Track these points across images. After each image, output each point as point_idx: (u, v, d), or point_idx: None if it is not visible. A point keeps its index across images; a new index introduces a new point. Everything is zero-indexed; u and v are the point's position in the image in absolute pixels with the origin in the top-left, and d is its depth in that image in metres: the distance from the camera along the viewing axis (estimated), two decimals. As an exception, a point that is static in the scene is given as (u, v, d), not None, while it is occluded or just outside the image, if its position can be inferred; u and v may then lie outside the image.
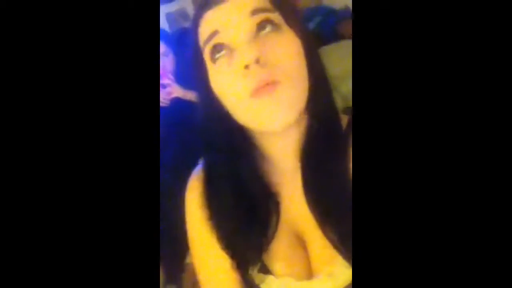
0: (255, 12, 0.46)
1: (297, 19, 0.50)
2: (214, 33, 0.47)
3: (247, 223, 0.52)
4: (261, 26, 0.46)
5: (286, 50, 0.47)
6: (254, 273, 0.53)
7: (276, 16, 0.47)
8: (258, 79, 0.44)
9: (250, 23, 0.46)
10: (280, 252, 0.53)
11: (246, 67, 0.44)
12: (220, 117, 0.50)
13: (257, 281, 0.53)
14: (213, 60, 0.48)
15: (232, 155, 0.52)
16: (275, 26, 0.47)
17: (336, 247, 0.49)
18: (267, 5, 0.47)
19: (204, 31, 0.48)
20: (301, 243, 0.54)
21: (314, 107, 0.49)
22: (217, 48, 0.47)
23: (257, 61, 0.44)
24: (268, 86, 0.44)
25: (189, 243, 0.59)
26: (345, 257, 0.48)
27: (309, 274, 0.52)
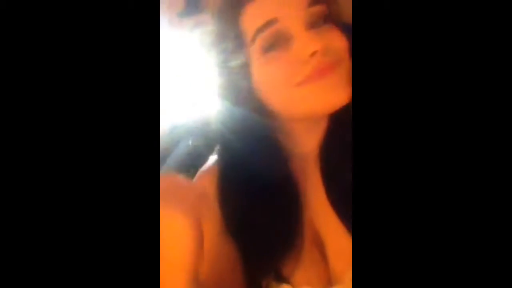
0: (311, 4, 0.47)
1: (337, 15, 0.51)
2: (272, 21, 0.46)
3: (266, 225, 0.50)
4: (317, 18, 0.48)
5: (339, 43, 0.48)
6: (268, 280, 0.50)
7: (325, 9, 0.49)
8: (320, 65, 0.46)
9: (308, 14, 0.47)
10: (298, 260, 0.50)
11: (313, 54, 0.45)
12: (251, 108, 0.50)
13: None
14: (265, 49, 0.47)
15: (250, 150, 0.51)
16: (327, 19, 0.49)
17: None
18: None
19: (253, 20, 0.47)
20: (320, 248, 0.52)
21: None
22: (274, 37, 0.47)
23: (324, 48, 0.46)
24: (328, 68, 0.46)
25: None
26: None
27: (328, 282, 0.51)
